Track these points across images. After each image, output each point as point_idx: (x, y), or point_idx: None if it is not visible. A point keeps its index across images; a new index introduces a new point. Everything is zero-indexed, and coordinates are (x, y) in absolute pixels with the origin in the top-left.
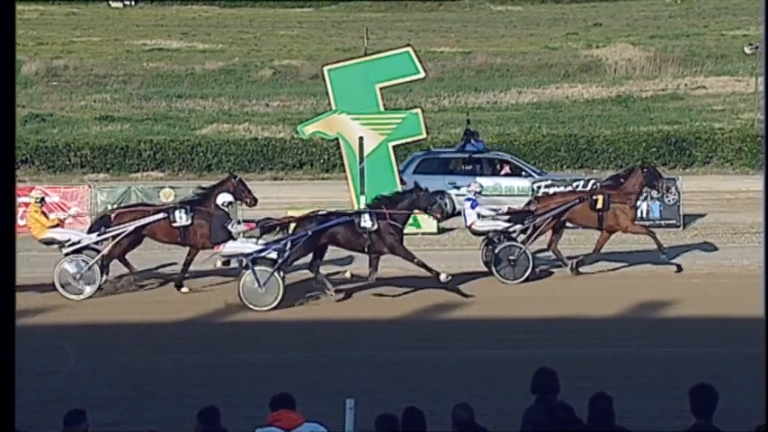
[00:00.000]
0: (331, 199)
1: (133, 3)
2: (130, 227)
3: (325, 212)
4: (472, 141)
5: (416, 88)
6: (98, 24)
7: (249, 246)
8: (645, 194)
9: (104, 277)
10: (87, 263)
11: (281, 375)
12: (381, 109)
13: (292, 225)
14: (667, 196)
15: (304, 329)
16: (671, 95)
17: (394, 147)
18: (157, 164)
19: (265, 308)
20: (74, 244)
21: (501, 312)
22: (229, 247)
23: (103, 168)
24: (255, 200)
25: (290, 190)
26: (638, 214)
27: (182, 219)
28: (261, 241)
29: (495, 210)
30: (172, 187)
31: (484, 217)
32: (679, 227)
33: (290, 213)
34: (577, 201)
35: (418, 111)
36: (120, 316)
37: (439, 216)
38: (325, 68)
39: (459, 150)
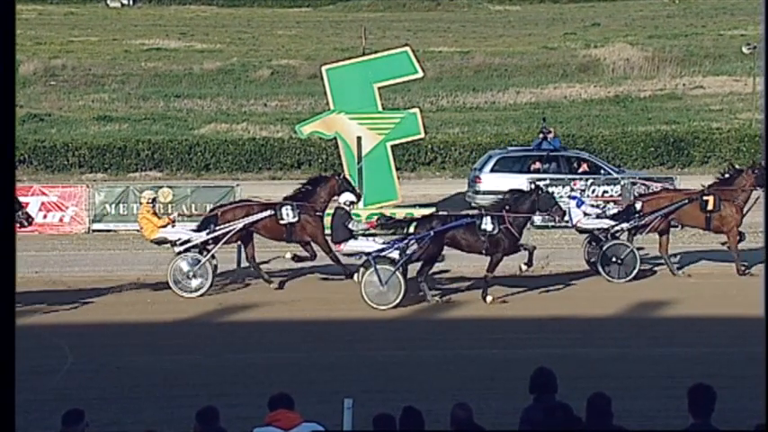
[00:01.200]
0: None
1: (131, 3)
2: (239, 224)
3: (445, 213)
4: (548, 139)
5: (415, 88)
6: (96, 24)
7: (371, 244)
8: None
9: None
10: (199, 260)
11: (279, 375)
12: (380, 109)
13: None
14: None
15: (302, 329)
16: (669, 95)
17: (393, 146)
18: (156, 164)
19: (387, 306)
20: (185, 243)
21: (499, 312)
22: (350, 246)
23: (102, 168)
24: (359, 197)
25: (288, 190)
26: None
27: (288, 216)
28: (380, 240)
29: (599, 208)
30: (170, 187)
31: (589, 215)
32: (677, 227)
33: (406, 213)
34: (686, 201)
35: (416, 110)
36: (119, 316)
37: (559, 218)
38: (324, 68)
39: (536, 148)
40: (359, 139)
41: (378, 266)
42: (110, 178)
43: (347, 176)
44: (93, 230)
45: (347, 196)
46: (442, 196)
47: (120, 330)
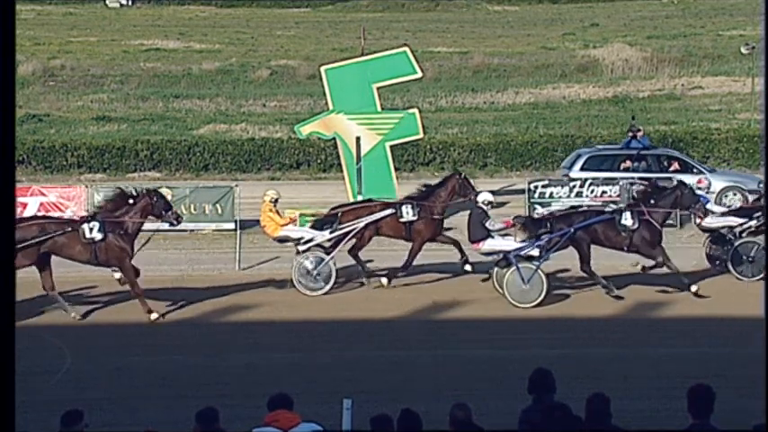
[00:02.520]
0: (329, 199)
1: (130, 3)
2: (361, 223)
3: (584, 209)
4: (637, 137)
5: (413, 88)
6: (95, 24)
7: (509, 243)
8: None
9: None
10: (323, 259)
11: (278, 375)
12: (378, 109)
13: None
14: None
15: (301, 330)
16: (668, 96)
17: (392, 146)
18: (154, 164)
19: (530, 304)
20: (308, 242)
21: (498, 313)
22: (489, 245)
23: (100, 168)
24: (477, 195)
25: (287, 190)
26: None
27: (408, 214)
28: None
29: (725, 206)
30: (169, 187)
31: (713, 213)
32: (675, 226)
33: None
34: None
35: (415, 111)
36: (117, 316)
37: (702, 216)
38: (323, 68)
39: (625, 147)
40: (358, 139)
41: (519, 265)
42: (109, 179)
43: (465, 177)
44: None
45: (485, 195)
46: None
47: (118, 331)
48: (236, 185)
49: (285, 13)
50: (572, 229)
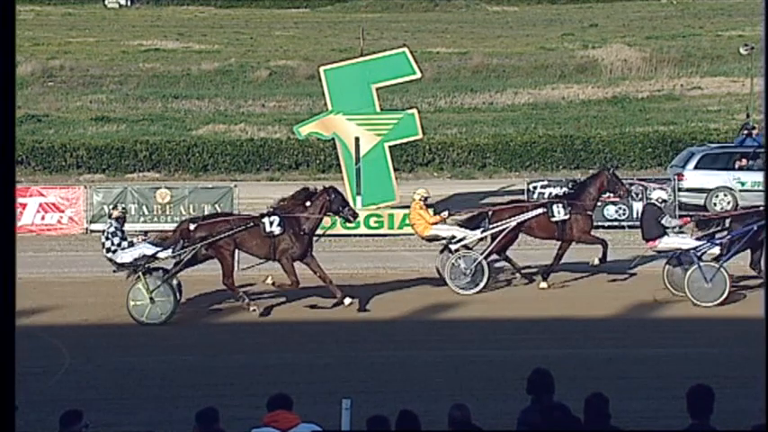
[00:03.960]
0: None
1: (129, 3)
2: (512, 222)
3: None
4: (753, 136)
5: (413, 89)
6: (94, 25)
7: (687, 241)
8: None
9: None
10: (475, 259)
11: (277, 376)
12: (377, 109)
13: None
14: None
15: (301, 330)
16: (667, 96)
17: (391, 147)
18: (153, 164)
19: (711, 303)
20: (459, 241)
21: (497, 313)
22: (665, 243)
23: (99, 169)
24: (628, 192)
25: (286, 190)
26: (633, 215)
27: (559, 213)
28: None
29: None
30: (168, 188)
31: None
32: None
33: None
34: None
35: (414, 111)
36: (116, 317)
37: None
38: (322, 69)
39: (739, 145)
40: (357, 139)
41: (702, 264)
42: (108, 179)
43: (615, 173)
44: (91, 231)
45: (660, 193)
46: (440, 197)
47: (118, 331)
48: (235, 186)
49: (284, 13)
50: (754, 227)
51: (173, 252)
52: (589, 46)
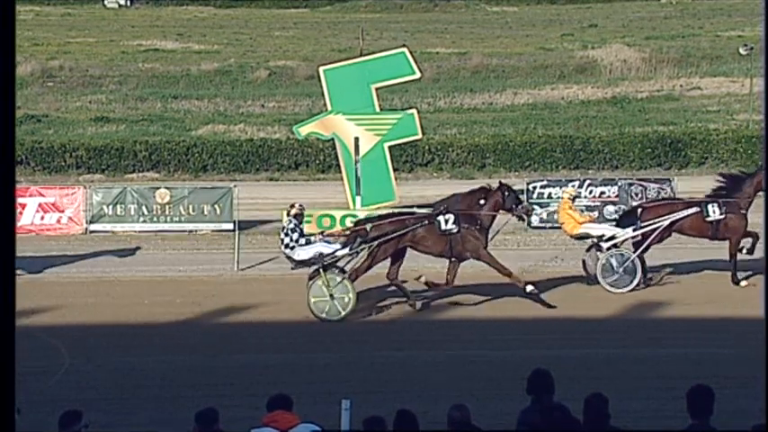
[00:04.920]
0: (327, 200)
1: (128, 3)
2: (666, 221)
3: None
4: None
5: (412, 89)
6: (93, 25)
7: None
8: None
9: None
10: (628, 257)
11: (277, 376)
12: (377, 110)
13: None
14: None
15: (300, 331)
16: (666, 96)
17: (390, 147)
18: (153, 165)
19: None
20: (610, 239)
21: (496, 313)
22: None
23: (99, 169)
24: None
25: (285, 191)
26: None
27: (714, 213)
28: None
29: None
30: (167, 188)
31: None
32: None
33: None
34: None
35: (414, 111)
36: (115, 317)
37: None
38: (321, 69)
39: None
40: (356, 139)
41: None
42: (107, 179)
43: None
44: (91, 231)
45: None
46: (439, 197)
47: (117, 331)
48: (235, 186)
49: (284, 13)
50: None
51: (350, 251)
52: (588, 46)
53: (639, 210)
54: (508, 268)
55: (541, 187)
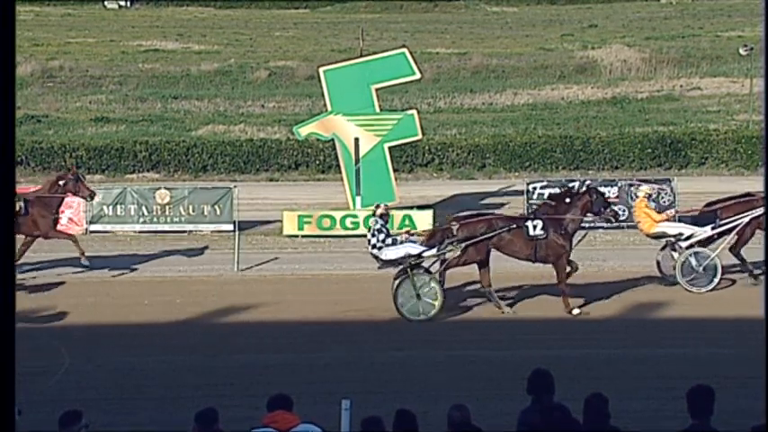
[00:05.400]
0: (328, 200)
1: (128, 4)
2: (744, 218)
3: None
4: None
5: (412, 89)
6: (93, 25)
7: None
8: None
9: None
10: (708, 256)
11: (277, 376)
12: (377, 110)
13: None
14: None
15: (300, 331)
16: (666, 97)
17: (390, 147)
18: (153, 165)
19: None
20: (688, 238)
21: (496, 314)
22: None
23: (99, 169)
24: None
25: (285, 191)
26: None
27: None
28: None
29: None
30: (167, 188)
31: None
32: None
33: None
34: None
35: (414, 112)
36: (115, 317)
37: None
38: (321, 69)
39: None
40: (356, 140)
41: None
42: (107, 180)
43: None
44: (91, 232)
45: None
46: (439, 197)
47: (118, 331)
48: (235, 186)
49: (284, 14)
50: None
51: (437, 251)
52: (588, 46)
53: (717, 208)
54: (566, 285)
55: (541, 188)
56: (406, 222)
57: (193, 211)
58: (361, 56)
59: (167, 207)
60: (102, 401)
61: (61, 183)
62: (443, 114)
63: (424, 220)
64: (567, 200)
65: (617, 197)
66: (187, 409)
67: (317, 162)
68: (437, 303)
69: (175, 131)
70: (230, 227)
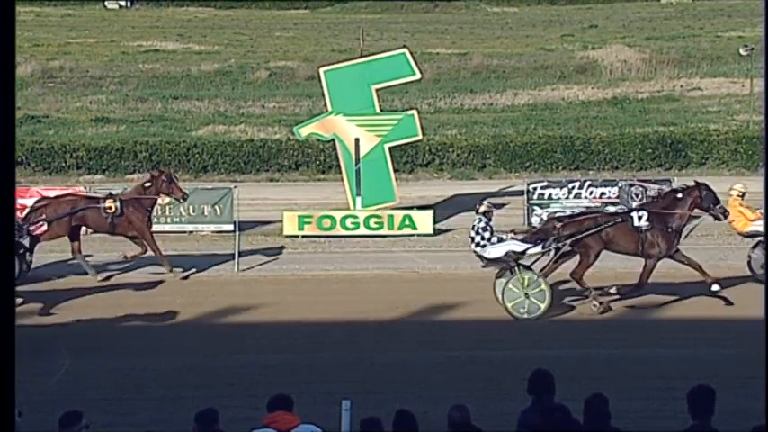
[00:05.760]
0: (328, 200)
1: (129, 4)
2: None
3: None
4: None
5: (412, 90)
6: (94, 26)
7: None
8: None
9: None
10: None
11: (277, 377)
12: (377, 110)
13: None
14: None
15: (300, 331)
16: (666, 97)
17: (391, 148)
18: (153, 165)
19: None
20: None
21: (496, 314)
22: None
23: (99, 170)
24: None
25: (286, 191)
26: None
27: None
28: None
29: None
30: None
31: None
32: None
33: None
34: None
35: (414, 112)
36: (115, 317)
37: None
38: (321, 70)
39: None
40: (357, 140)
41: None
42: (107, 180)
43: None
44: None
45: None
46: (439, 198)
47: (118, 331)
48: (235, 187)
49: (284, 14)
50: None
51: (542, 249)
52: (589, 47)
53: None
54: (645, 282)
55: (542, 188)
56: (406, 223)
57: (194, 212)
58: (362, 56)
59: (167, 207)
60: (103, 401)
61: (148, 184)
62: (444, 115)
63: (424, 221)
64: (679, 195)
65: (617, 197)
66: (187, 409)
67: (318, 162)
68: (543, 306)
69: (176, 132)
70: (230, 227)
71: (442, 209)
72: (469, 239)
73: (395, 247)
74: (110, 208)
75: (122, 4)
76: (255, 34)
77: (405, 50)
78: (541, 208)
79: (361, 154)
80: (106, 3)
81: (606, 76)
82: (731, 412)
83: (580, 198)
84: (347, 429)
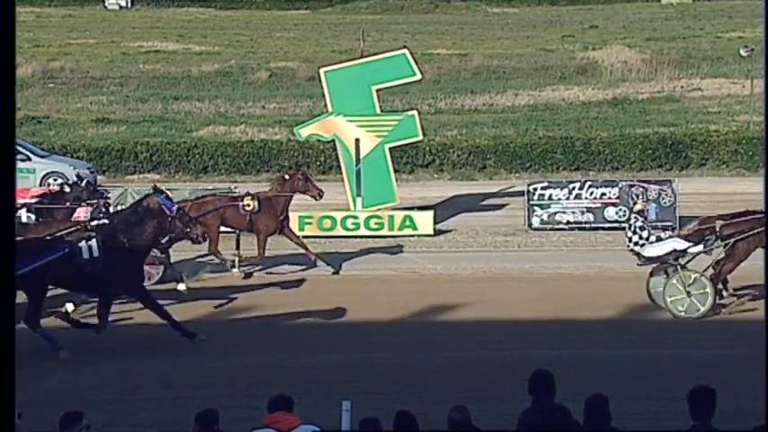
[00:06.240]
0: (328, 200)
1: (129, 5)
2: None
3: None
4: None
5: (413, 90)
6: (94, 26)
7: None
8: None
9: None
10: None
11: (277, 377)
12: (378, 111)
13: None
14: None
15: (300, 331)
16: (667, 97)
17: (391, 148)
18: (153, 166)
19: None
20: None
21: (497, 314)
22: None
23: (99, 170)
24: None
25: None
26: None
27: None
28: None
29: None
30: (168, 189)
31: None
32: (675, 228)
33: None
34: None
35: (414, 113)
36: (115, 318)
37: None
38: (322, 70)
39: None
40: (357, 141)
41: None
42: (108, 181)
43: None
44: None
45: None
46: (440, 198)
47: (118, 331)
48: (236, 187)
49: (284, 15)
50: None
51: (704, 247)
52: (589, 47)
53: None
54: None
55: (542, 189)
56: (407, 223)
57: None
58: (362, 57)
59: None
60: (103, 402)
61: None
62: (444, 115)
63: (424, 222)
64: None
65: (618, 198)
66: (187, 409)
67: (318, 163)
68: (702, 309)
69: (176, 132)
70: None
71: (443, 209)
72: (626, 239)
73: (395, 248)
74: (248, 205)
75: (123, 4)
76: (256, 35)
77: (405, 51)
78: (542, 209)
79: (362, 154)
80: (106, 3)
81: (606, 77)
82: (731, 412)
83: (580, 199)
84: (347, 430)
